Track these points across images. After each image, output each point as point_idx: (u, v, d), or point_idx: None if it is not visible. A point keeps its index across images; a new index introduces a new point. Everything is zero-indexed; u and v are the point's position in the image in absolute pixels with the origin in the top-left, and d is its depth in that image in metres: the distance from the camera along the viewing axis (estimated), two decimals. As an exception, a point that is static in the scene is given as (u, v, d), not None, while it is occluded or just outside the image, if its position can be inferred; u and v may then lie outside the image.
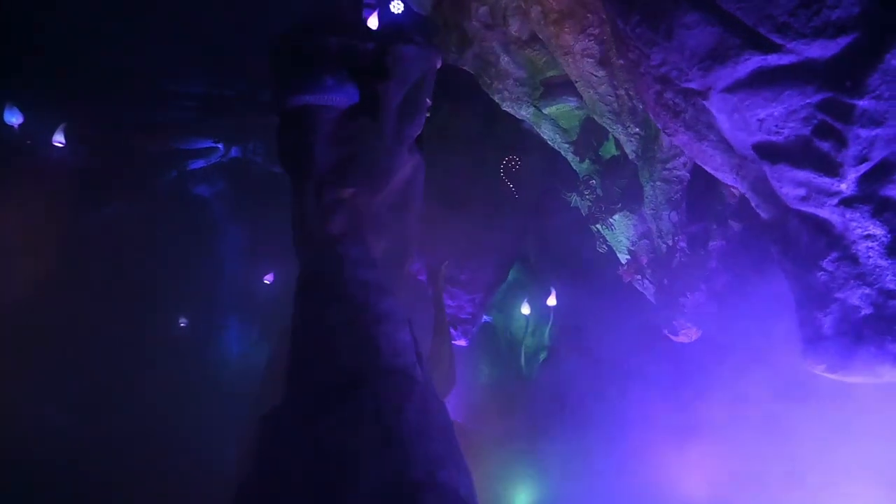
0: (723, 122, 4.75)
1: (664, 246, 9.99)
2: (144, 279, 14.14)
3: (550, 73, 10.43)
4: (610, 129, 9.99)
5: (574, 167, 11.06)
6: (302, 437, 4.91)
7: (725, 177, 5.51)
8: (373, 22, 8.89)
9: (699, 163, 5.71)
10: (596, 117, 10.00)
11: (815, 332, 4.97)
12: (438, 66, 7.39)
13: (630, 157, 10.04)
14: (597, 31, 9.13)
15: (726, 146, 5.12)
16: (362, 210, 6.59)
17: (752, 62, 4.34)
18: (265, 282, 16.08)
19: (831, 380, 8.48)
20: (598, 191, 10.46)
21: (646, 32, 4.75)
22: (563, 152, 11.10)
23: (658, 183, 9.72)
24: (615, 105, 9.60)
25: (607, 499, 10.85)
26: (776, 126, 4.44)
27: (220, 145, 15.72)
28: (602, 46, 9.19)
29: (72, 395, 12.75)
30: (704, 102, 4.74)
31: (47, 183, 12.23)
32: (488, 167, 13.84)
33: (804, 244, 4.80)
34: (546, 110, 10.63)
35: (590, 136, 10.77)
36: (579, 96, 10.09)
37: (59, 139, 12.02)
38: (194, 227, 15.63)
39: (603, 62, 9.27)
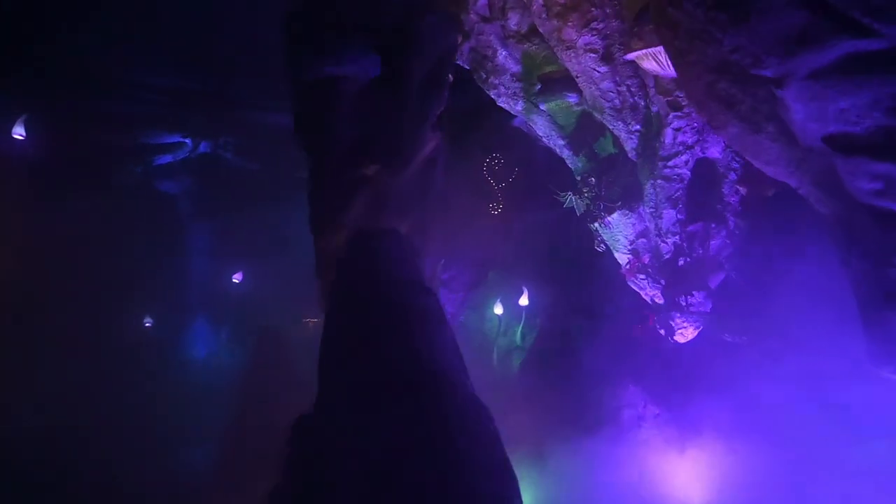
0: (797, 111, 4.54)
1: (663, 245, 9.84)
2: (107, 278, 13.58)
3: (549, 69, 10.17)
4: (610, 126, 9.80)
5: (570, 164, 10.84)
6: (341, 441, 4.58)
7: (777, 171, 5.31)
8: None
9: (747, 156, 5.51)
10: (596, 114, 9.79)
11: (886, 333, 4.76)
12: (459, 41, 7.01)
13: (629, 155, 9.87)
14: (601, 26, 8.93)
15: (788, 139, 4.92)
16: (385, 190, 6.16)
17: (840, 47, 4.12)
18: (234, 281, 15.60)
19: (836, 380, 8.54)
20: (597, 189, 10.28)
21: (719, 16, 4.50)
22: (558, 150, 10.86)
23: (659, 181, 9.57)
24: (617, 101, 9.43)
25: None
26: (857, 116, 4.25)
27: (188, 140, 15.03)
28: (605, 41, 8.98)
29: (38, 394, 12.21)
30: (778, 91, 4.52)
31: (5, 177, 11.57)
32: (472, 165, 13.60)
33: (875, 240, 4.61)
34: (543, 106, 10.39)
35: (586, 133, 10.58)
36: (578, 92, 9.86)
37: (18, 132, 11.31)
38: (160, 224, 15.02)
39: (605, 58, 9.07)
